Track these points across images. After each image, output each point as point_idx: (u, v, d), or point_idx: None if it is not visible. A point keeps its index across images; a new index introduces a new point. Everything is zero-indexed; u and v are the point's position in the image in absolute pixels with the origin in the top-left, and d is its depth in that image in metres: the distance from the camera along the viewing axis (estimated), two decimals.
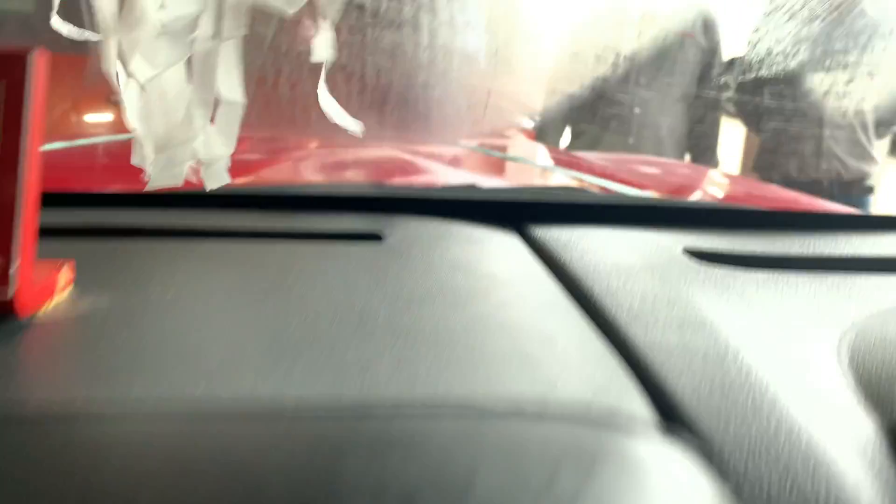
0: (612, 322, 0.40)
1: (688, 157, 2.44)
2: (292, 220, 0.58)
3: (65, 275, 0.38)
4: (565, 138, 2.33)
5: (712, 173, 1.71)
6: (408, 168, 0.90)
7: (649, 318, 0.40)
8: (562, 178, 1.20)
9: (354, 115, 0.49)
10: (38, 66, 0.35)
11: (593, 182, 1.30)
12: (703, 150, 2.46)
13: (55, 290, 0.37)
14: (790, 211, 0.66)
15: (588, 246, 0.54)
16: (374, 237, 0.55)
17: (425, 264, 0.47)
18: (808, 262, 0.58)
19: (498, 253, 0.52)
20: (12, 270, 0.34)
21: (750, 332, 0.41)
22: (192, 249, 0.49)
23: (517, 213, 0.63)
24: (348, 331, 0.35)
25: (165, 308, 0.37)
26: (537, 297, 0.43)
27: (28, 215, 0.34)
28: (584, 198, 0.66)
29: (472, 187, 0.69)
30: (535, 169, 0.97)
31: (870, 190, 1.80)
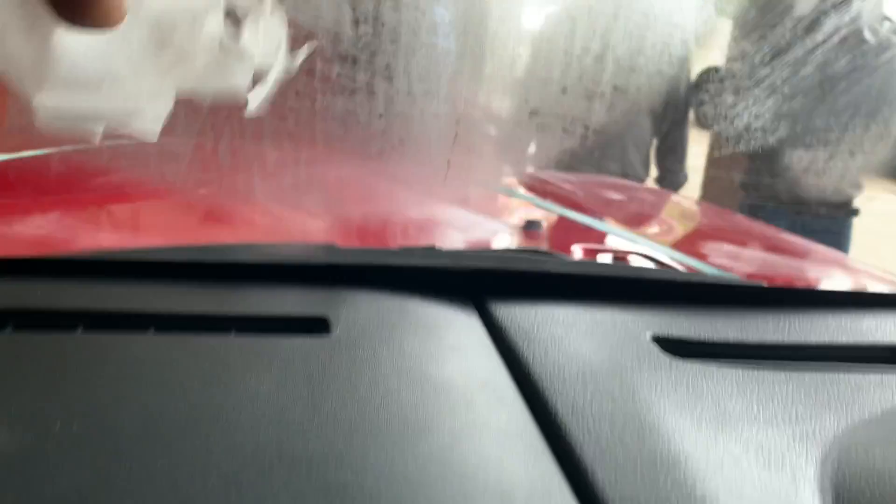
0: (578, 461, 0.36)
1: (654, 171, 2.42)
2: (227, 298, 0.53)
3: None
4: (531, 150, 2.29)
5: (677, 201, 1.70)
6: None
7: (619, 455, 0.36)
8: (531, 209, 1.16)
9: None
10: None
11: (559, 212, 1.27)
12: (670, 164, 2.44)
13: None
14: (762, 286, 0.63)
15: (552, 335, 0.50)
16: (321, 322, 0.50)
17: (374, 370, 0.43)
18: (785, 352, 0.55)
19: (456, 349, 0.47)
20: None
21: (727, 466, 0.37)
22: (105, 346, 0.44)
23: (478, 284, 0.59)
24: (273, 490, 0.31)
25: (62, 451, 0.32)
26: (497, 419, 0.39)
27: None
28: (548, 266, 0.62)
29: (431, 250, 0.64)
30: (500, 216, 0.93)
31: (855, 212, 1.81)
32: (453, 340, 0.49)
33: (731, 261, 1.19)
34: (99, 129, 0.31)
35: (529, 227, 1.14)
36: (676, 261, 1.03)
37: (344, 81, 0.54)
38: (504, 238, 1.10)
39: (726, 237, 1.38)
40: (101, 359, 0.43)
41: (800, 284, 1.08)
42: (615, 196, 1.65)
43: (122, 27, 0.25)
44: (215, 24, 0.29)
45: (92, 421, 0.35)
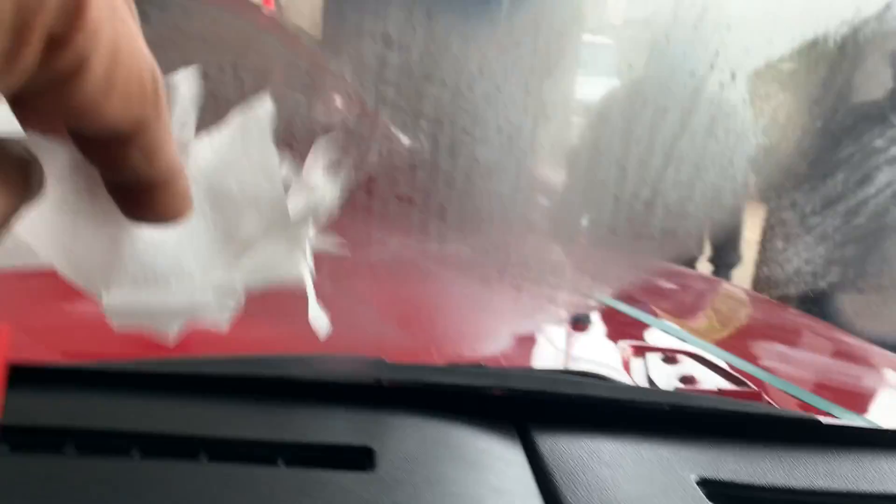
0: None
1: (708, 250, 2.37)
2: (276, 418, 0.54)
3: None
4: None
5: (730, 291, 1.67)
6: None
7: None
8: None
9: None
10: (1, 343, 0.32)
11: (607, 302, 1.26)
12: (723, 244, 2.39)
13: None
14: (815, 420, 0.62)
15: (598, 478, 0.51)
16: (366, 454, 0.51)
17: None
18: (835, 500, 0.54)
19: (500, 492, 0.48)
20: None
21: None
22: (160, 474, 0.45)
23: (524, 410, 0.59)
24: None
25: None
26: None
27: None
28: (596, 391, 0.62)
29: (478, 368, 0.65)
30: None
31: None
32: (497, 481, 0.49)
33: (782, 363, 1.17)
34: (172, 329, 0.32)
35: (578, 321, 1.14)
36: (726, 361, 1.02)
37: (399, 220, 0.56)
38: (551, 333, 1.10)
39: (778, 336, 1.35)
40: (155, 489, 0.44)
41: (854, 395, 1.05)
42: (664, 284, 1.64)
43: (187, 221, 0.26)
44: (280, 214, 0.31)
45: None
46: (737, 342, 1.28)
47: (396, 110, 0.57)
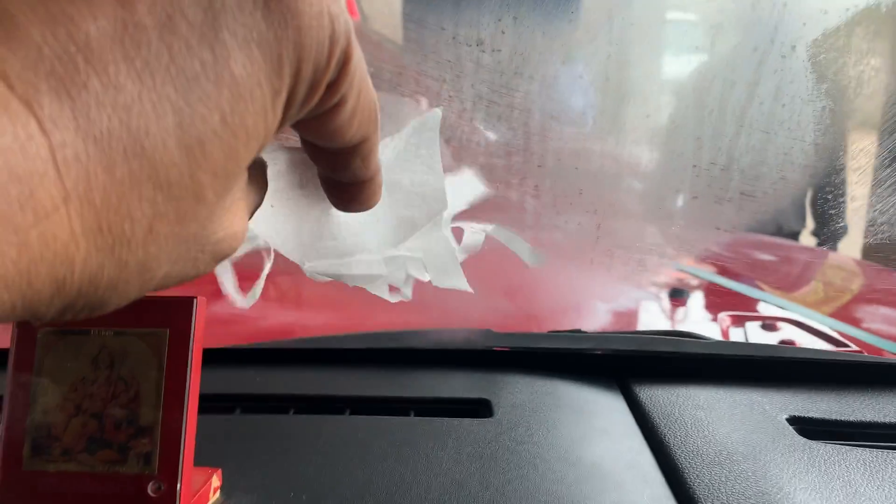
0: None
1: (810, 220, 2.32)
2: (404, 381, 0.62)
3: (214, 482, 0.44)
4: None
5: (834, 260, 1.66)
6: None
7: None
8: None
9: None
10: (200, 312, 0.41)
11: (707, 278, 1.29)
12: (826, 214, 2.33)
13: (208, 499, 0.43)
14: None
15: (693, 419, 0.56)
16: (485, 404, 0.58)
17: (533, 451, 0.50)
18: None
19: (604, 432, 0.54)
20: (177, 494, 0.39)
21: None
22: (312, 426, 0.54)
23: (622, 367, 0.65)
24: None
25: None
26: (642, 499, 0.45)
27: (189, 443, 0.40)
28: (689, 348, 0.67)
29: (577, 333, 0.71)
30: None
31: None
32: (601, 423, 0.56)
33: (889, 325, 1.17)
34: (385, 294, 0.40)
35: (675, 295, 1.17)
36: (829, 327, 1.04)
37: (498, 201, 0.62)
38: (650, 307, 1.14)
39: (884, 299, 1.34)
40: (310, 437, 0.53)
41: None
42: (766, 257, 1.64)
43: (374, 210, 0.33)
44: (441, 204, 0.37)
45: (314, 492, 0.45)
46: (843, 309, 1.28)
47: (490, 104, 0.64)
